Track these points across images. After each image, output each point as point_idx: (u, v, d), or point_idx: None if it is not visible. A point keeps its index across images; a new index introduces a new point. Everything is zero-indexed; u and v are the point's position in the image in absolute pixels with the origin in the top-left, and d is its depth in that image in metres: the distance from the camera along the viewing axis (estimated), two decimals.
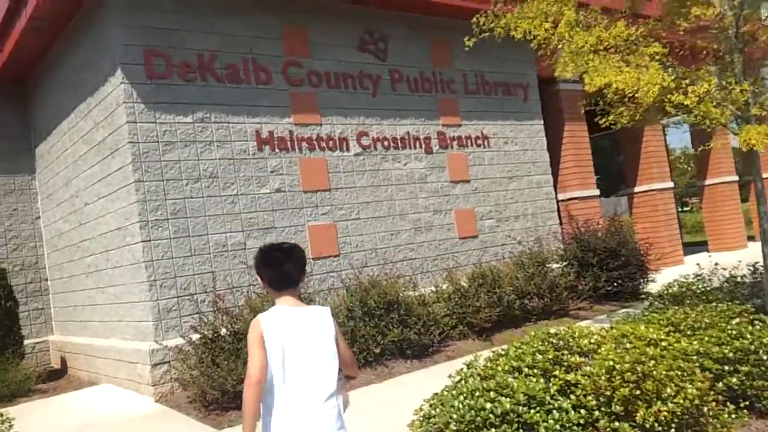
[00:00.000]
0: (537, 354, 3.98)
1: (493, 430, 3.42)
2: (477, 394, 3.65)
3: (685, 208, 37.39)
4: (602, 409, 3.51)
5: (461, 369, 4.19)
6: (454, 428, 3.50)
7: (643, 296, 9.17)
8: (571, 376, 3.66)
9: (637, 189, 13.78)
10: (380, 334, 6.95)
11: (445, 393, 3.91)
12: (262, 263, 2.75)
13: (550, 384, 3.63)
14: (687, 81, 5.58)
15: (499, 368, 3.93)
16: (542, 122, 11.14)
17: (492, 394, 3.59)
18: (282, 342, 2.57)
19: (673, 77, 5.48)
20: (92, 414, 6.61)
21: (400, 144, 9.13)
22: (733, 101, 5.56)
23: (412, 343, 7.08)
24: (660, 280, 9.12)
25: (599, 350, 3.92)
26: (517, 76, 10.83)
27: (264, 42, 8.07)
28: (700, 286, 6.27)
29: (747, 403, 4.17)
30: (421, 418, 3.91)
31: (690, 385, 3.64)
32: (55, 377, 8.98)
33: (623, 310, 8.07)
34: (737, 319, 4.80)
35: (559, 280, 8.73)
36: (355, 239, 8.49)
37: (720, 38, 6.11)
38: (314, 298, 7.34)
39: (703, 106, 5.42)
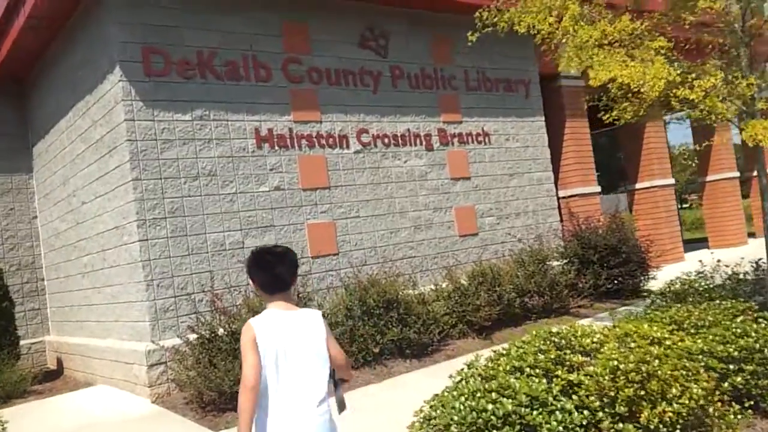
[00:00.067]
0: (539, 353, 3.92)
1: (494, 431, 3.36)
2: (478, 395, 3.59)
3: (684, 205, 37.32)
4: (606, 410, 3.45)
5: (462, 369, 4.13)
6: (455, 430, 3.43)
7: (644, 294, 9.11)
8: (573, 376, 3.60)
9: (638, 186, 13.72)
10: (379, 333, 6.89)
11: (446, 394, 3.84)
12: (254, 266, 2.77)
13: (553, 384, 3.57)
14: (693, 75, 5.51)
15: (501, 368, 3.86)
16: (543, 119, 11.07)
17: (494, 395, 3.53)
18: (275, 345, 2.58)
19: (678, 71, 5.42)
20: (88, 415, 6.55)
21: (400, 141, 9.06)
22: (739, 96, 5.50)
23: (411, 342, 7.02)
24: (661, 277, 9.06)
25: (602, 349, 3.86)
26: (519, 72, 10.76)
27: (264, 39, 8.00)
28: (702, 284, 6.22)
29: (752, 402, 4.11)
30: (422, 420, 3.84)
31: (695, 385, 3.58)
32: (52, 378, 8.92)
33: (624, 308, 8.03)
34: (741, 317, 4.75)
35: (560, 278, 8.66)
36: (354, 237, 8.42)
37: (726, 32, 6.05)
38: (313, 296, 7.28)
39: (708, 100, 5.36)
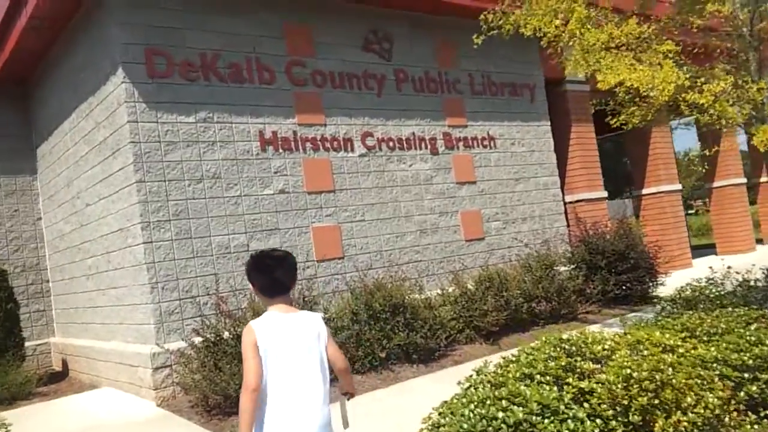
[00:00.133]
0: (549, 360, 3.83)
1: None
2: (488, 402, 3.50)
3: (689, 211, 37.18)
4: (619, 418, 3.37)
5: (470, 375, 4.05)
6: None
7: (653, 300, 9.02)
8: (585, 384, 3.51)
9: (644, 191, 13.63)
10: (386, 337, 6.82)
11: (455, 401, 3.76)
12: (254, 270, 2.81)
13: (564, 392, 3.49)
14: (702, 79, 5.45)
15: (510, 375, 3.79)
16: (549, 123, 11.00)
17: (504, 402, 3.44)
18: (276, 348, 2.60)
19: (687, 75, 5.35)
20: (92, 418, 6.50)
21: (405, 145, 9.01)
22: (749, 100, 5.43)
23: (418, 347, 6.95)
24: (669, 283, 8.98)
25: (613, 357, 3.78)
26: (524, 76, 10.70)
27: (267, 41, 7.96)
28: (713, 290, 6.13)
29: (767, 412, 4.02)
30: (430, 427, 3.76)
31: (710, 394, 3.50)
32: (56, 380, 8.88)
33: (633, 314, 7.93)
34: (755, 325, 4.65)
35: (567, 284, 8.59)
36: (359, 241, 8.36)
37: (734, 37, 5.98)
38: (318, 300, 7.22)
39: (718, 105, 5.30)
